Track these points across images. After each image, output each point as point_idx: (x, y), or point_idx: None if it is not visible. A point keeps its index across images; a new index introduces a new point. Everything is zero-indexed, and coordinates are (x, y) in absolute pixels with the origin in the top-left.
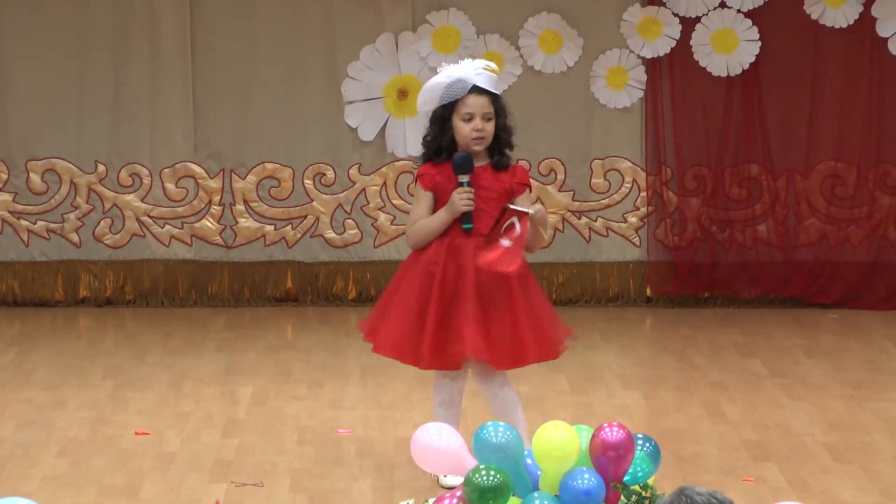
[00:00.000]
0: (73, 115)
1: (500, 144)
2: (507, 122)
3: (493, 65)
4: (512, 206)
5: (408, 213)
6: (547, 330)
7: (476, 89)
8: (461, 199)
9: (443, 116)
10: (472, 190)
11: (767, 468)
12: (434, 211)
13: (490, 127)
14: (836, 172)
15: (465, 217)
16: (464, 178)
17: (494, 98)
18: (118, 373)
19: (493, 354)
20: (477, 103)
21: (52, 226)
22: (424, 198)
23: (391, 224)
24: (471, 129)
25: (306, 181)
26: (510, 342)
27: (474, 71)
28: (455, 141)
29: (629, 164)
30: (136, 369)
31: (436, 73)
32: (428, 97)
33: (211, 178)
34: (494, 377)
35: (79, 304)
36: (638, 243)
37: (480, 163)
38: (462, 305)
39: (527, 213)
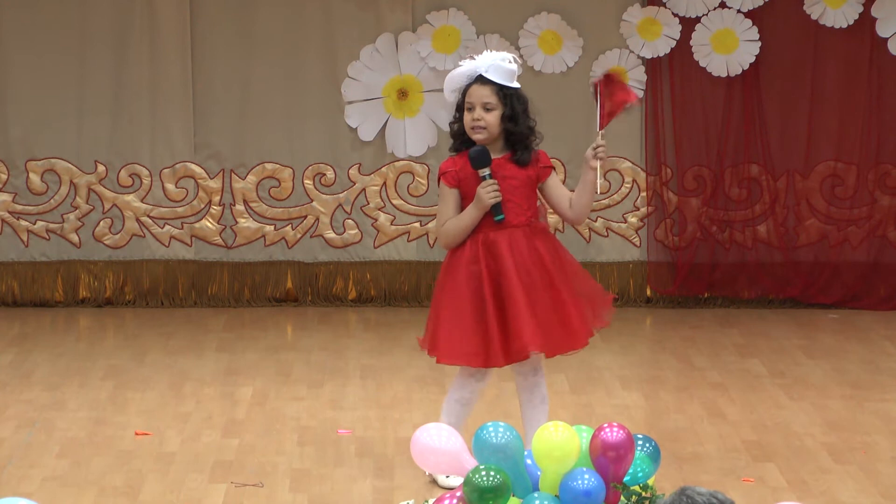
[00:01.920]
0: (73, 115)
1: (513, 140)
2: (522, 116)
3: (510, 56)
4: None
5: (408, 213)
6: (587, 310)
7: (480, 79)
8: (487, 192)
9: (460, 104)
10: (496, 181)
11: (767, 468)
12: (461, 207)
13: (491, 117)
14: (836, 172)
15: (495, 209)
16: (484, 172)
17: (501, 89)
18: (118, 373)
19: (548, 344)
20: (477, 93)
21: (52, 226)
22: (450, 195)
23: (391, 224)
24: (470, 119)
25: (306, 181)
26: (560, 329)
27: (488, 62)
28: None
29: (629, 164)
30: (136, 370)
31: (436, 73)
32: (447, 86)
33: (211, 179)
34: (528, 362)
35: (79, 305)
36: (638, 243)
37: (500, 153)
38: (511, 299)
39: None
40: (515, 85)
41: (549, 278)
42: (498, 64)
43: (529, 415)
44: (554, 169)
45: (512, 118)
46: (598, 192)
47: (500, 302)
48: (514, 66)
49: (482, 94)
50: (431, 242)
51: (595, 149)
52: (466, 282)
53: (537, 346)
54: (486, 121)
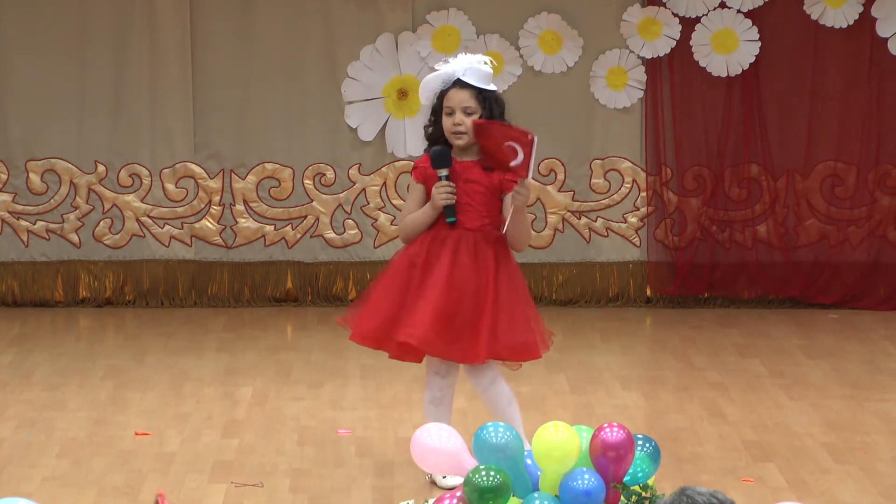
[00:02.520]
0: (73, 115)
1: None
2: (499, 119)
3: (486, 59)
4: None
5: None
6: (514, 331)
7: (459, 83)
8: (440, 193)
9: (436, 109)
10: (452, 184)
11: (767, 468)
12: (425, 202)
13: (471, 121)
14: (835, 172)
15: (448, 210)
16: (442, 172)
17: (479, 92)
18: (118, 373)
19: (443, 345)
20: (457, 97)
21: (52, 226)
22: (416, 190)
23: (391, 224)
24: (450, 123)
25: (306, 181)
26: (464, 338)
27: (464, 65)
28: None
29: (629, 164)
30: (136, 370)
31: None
32: (423, 91)
33: (211, 179)
34: (482, 373)
35: (79, 305)
36: (638, 243)
37: (471, 157)
38: (427, 291)
39: (530, 140)
40: (492, 87)
41: (484, 289)
42: (475, 67)
43: (502, 419)
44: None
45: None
46: (532, 236)
47: (418, 293)
48: (490, 69)
49: (461, 98)
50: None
51: (517, 193)
52: (402, 269)
53: (406, 337)
54: (467, 125)
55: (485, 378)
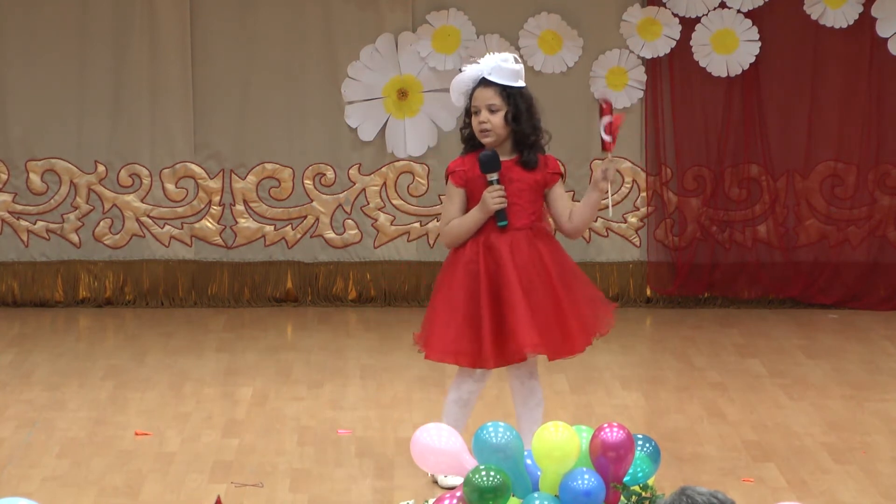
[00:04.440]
0: (73, 115)
1: (519, 140)
2: (525, 115)
3: (513, 56)
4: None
5: (408, 213)
6: (587, 316)
7: (483, 82)
8: (493, 197)
9: (466, 109)
10: (503, 187)
11: (767, 468)
12: (467, 207)
13: (497, 119)
14: (835, 172)
15: (499, 214)
16: (492, 177)
17: (504, 89)
18: (118, 373)
19: (546, 346)
20: (481, 96)
21: (52, 226)
22: (457, 195)
23: (391, 224)
24: (476, 122)
25: (306, 181)
26: (557, 333)
27: (491, 64)
28: None
29: (629, 164)
30: (136, 370)
31: (436, 73)
32: (453, 92)
33: (211, 179)
34: (524, 365)
35: (79, 305)
36: (638, 243)
37: (508, 156)
38: (509, 301)
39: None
40: (520, 84)
41: (549, 281)
42: (500, 65)
43: (525, 418)
44: (562, 176)
45: (515, 117)
46: (611, 212)
47: (498, 303)
48: (518, 66)
49: (486, 96)
50: (431, 243)
51: (604, 171)
52: (463, 281)
53: (533, 348)
54: (492, 123)
55: (523, 370)
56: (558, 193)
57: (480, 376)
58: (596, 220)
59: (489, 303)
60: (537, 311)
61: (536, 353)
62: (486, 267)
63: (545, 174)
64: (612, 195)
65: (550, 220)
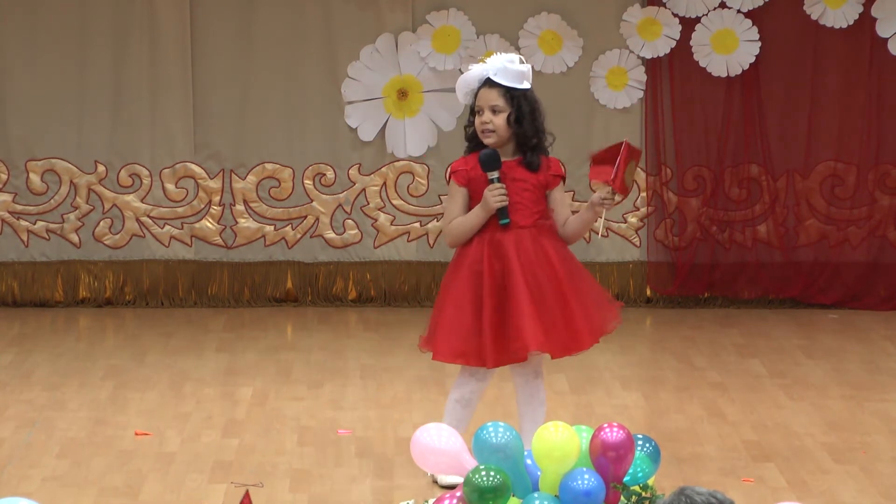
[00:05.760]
0: (73, 115)
1: (521, 142)
2: (529, 117)
3: (518, 58)
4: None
5: (408, 213)
6: (594, 314)
7: (488, 82)
8: (494, 195)
9: (472, 108)
10: (504, 185)
11: (767, 468)
12: (469, 206)
13: (499, 120)
14: (835, 172)
15: (501, 213)
16: (493, 175)
17: (508, 91)
18: (118, 373)
19: (552, 344)
20: (484, 96)
21: (52, 226)
22: (459, 194)
23: (391, 224)
24: (479, 122)
25: (306, 181)
26: (564, 330)
27: (496, 65)
28: None
29: None
30: (136, 370)
31: (436, 73)
32: (459, 90)
33: (211, 179)
34: (529, 364)
35: (79, 305)
36: (638, 244)
37: (511, 156)
38: (514, 299)
39: (637, 151)
40: (525, 86)
41: (555, 279)
42: (505, 66)
43: (528, 417)
44: (563, 179)
45: (518, 120)
46: (601, 236)
47: (503, 302)
48: (524, 67)
49: (489, 97)
50: (431, 243)
51: (603, 199)
52: (468, 281)
53: (538, 346)
54: (495, 123)
55: (528, 369)
56: (558, 197)
57: (483, 376)
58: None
59: (492, 302)
60: (543, 309)
61: (541, 351)
62: (490, 266)
63: (547, 176)
64: (604, 219)
65: None
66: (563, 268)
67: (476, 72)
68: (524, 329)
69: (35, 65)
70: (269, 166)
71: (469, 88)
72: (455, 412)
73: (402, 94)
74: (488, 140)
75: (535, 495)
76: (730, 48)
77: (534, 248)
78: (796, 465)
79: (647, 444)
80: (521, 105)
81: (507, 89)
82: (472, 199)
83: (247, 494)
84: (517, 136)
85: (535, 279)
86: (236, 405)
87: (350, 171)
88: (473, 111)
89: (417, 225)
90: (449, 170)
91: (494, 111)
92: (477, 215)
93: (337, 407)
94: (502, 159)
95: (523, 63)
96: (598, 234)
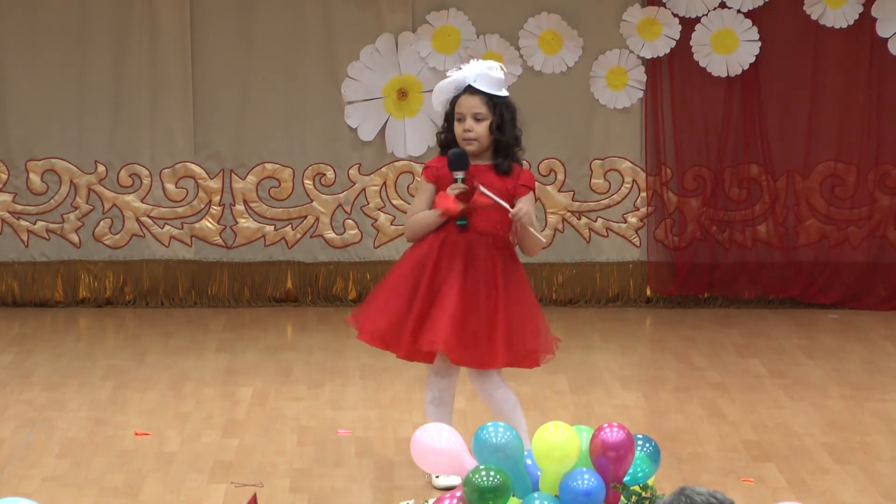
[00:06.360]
0: (73, 115)
1: (499, 149)
2: (510, 125)
3: (497, 65)
4: (483, 191)
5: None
6: (524, 338)
7: (470, 89)
8: (453, 194)
9: (449, 115)
10: (466, 187)
11: (767, 468)
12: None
13: (481, 128)
14: (835, 173)
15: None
16: (458, 175)
17: (490, 98)
18: (118, 373)
19: (458, 351)
20: (467, 104)
21: (52, 226)
22: (425, 189)
23: (391, 224)
24: (461, 130)
25: (306, 181)
26: (483, 343)
27: (476, 71)
28: None
29: (629, 164)
30: (136, 370)
31: (436, 73)
32: (436, 97)
33: (211, 179)
34: (490, 377)
35: (79, 305)
36: (638, 244)
37: (484, 161)
38: (444, 299)
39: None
40: (504, 93)
41: (494, 293)
42: (486, 73)
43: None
44: (533, 191)
45: (500, 127)
46: (543, 243)
47: (433, 299)
48: (502, 74)
49: (472, 104)
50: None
51: (517, 215)
52: (412, 271)
53: (445, 347)
54: (477, 131)
55: (490, 383)
56: (523, 204)
57: (446, 373)
58: (596, 220)
59: (426, 296)
60: (470, 315)
61: (444, 353)
62: (436, 263)
63: (515, 184)
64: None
65: (551, 214)
66: (506, 287)
67: (454, 79)
68: (439, 327)
69: (35, 65)
70: (269, 166)
71: (448, 96)
72: (431, 412)
73: (402, 94)
74: (469, 148)
75: (535, 495)
76: (730, 48)
77: (484, 258)
78: (796, 465)
79: (647, 444)
80: (503, 113)
81: (489, 97)
82: None
83: (254, 497)
84: (497, 144)
85: (475, 286)
86: (236, 405)
87: (350, 171)
88: (448, 118)
89: None
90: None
91: (477, 119)
92: (436, 213)
93: (337, 407)
94: (479, 163)
95: (501, 70)
96: (542, 242)
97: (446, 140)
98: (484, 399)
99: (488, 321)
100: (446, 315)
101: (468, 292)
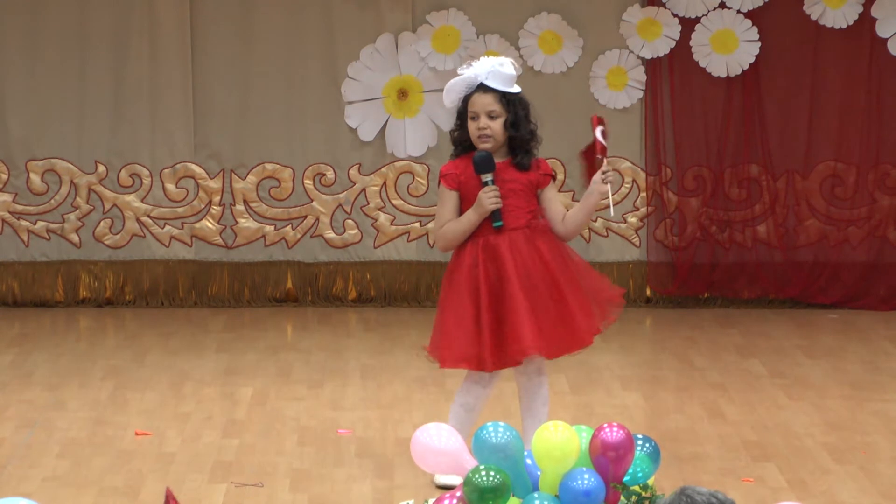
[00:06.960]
0: (73, 115)
1: (515, 144)
2: (524, 121)
3: (508, 61)
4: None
5: (408, 213)
6: (592, 308)
7: (482, 87)
8: (488, 198)
9: (461, 113)
10: (498, 187)
11: (767, 468)
12: (460, 210)
13: (496, 125)
14: (835, 173)
15: (495, 215)
16: (487, 178)
17: (503, 95)
18: (118, 373)
19: (549, 346)
20: (480, 101)
21: (52, 226)
22: (450, 198)
23: (391, 224)
24: (475, 128)
25: (306, 181)
26: (562, 330)
27: (487, 69)
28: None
29: (629, 164)
30: (136, 370)
31: (436, 73)
32: (447, 95)
33: (211, 179)
34: (532, 362)
35: (79, 305)
36: (638, 244)
37: (502, 157)
38: (511, 303)
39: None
40: (516, 89)
41: (551, 278)
42: (497, 70)
43: (530, 416)
44: (554, 178)
45: (515, 124)
46: (612, 212)
47: (500, 306)
48: (513, 70)
49: (485, 102)
50: (431, 243)
51: (604, 173)
52: (466, 286)
53: (536, 349)
54: (492, 129)
55: (531, 365)
56: (550, 195)
57: (487, 383)
58: (596, 220)
59: (490, 306)
60: (539, 310)
61: (539, 353)
62: (486, 270)
63: (538, 175)
64: (613, 195)
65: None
66: (558, 266)
67: (465, 76)
68: (521, 332)
69: (35, 65)
70: (269, 166)
71: (460, 94)
72: (459, 416)
73: (402, 94)
74: (485, 145)
75: (535, 495)
76: (730, 48)
77: (528, 250)
78: (796, 465)
79: (647, 444)
80: (517, 110)
81: (501, 94)
82: (464, 203)
83: (168, 491)
84: (512, 140)
85: (531, 281)
86: (236, 405)
87: (350, 171)
88: (461, 116)
89: (417, 225)
90: (439, 174)
91: (491, 116)
92: (470, 218)
93: (337, 407)
94: (499, 160)
95: (511, 66)
96: (612, 213)
97: (460, 138)
98: (520, 381)
99: (558, 308)
100: (522, 318)
101: (528, 289)
